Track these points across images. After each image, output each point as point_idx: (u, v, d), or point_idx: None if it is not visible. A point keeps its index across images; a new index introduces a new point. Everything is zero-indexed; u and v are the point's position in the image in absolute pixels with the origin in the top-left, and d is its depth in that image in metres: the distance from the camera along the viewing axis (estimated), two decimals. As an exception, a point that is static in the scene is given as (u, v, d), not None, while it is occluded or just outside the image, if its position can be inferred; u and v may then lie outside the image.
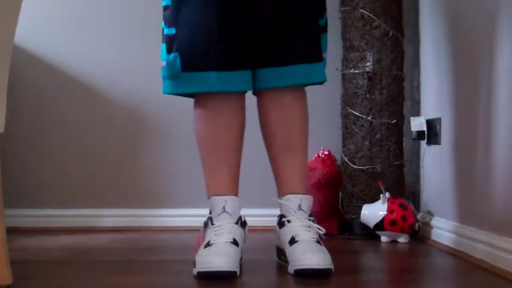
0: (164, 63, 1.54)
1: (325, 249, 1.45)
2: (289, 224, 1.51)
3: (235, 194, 1.57)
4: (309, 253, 1.41)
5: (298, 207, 1.52)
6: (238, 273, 1.40)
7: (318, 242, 1.47)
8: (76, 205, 2.39)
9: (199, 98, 1.58)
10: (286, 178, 1.59)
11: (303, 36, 1.55)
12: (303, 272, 1.39)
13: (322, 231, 1.52)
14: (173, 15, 1.52)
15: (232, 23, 1.50)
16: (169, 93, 1.57)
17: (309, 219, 1.52)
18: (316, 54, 1.57)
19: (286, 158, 1.59)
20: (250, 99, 1.63)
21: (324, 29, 1.61)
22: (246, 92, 1.59)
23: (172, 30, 1.52)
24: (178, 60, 1.50)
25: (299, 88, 1.61)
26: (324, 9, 1.62)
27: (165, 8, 1.55)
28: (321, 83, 1.62)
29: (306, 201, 1.54)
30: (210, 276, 1.37)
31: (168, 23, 1.53)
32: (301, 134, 1.61)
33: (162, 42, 1.56)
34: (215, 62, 1.49)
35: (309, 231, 1.49)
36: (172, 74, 1.52)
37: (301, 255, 1.41)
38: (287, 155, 1.59)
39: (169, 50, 1.52)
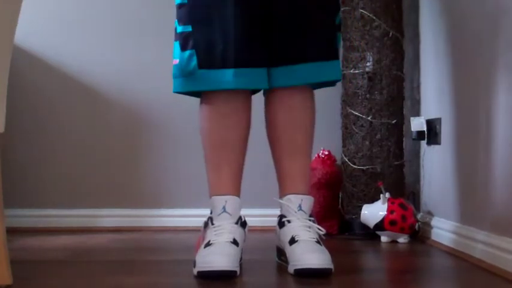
0: (177, 61, 1.53)
1: (325, 249, 1.45)
2: (289, 224, 1.51)
3: (237, 194, 1.56)
4: (309, 253, 1.41)
5: (298, 207, 1.51)
6: (238, 273, 1.40)
7: (318, 242, 1.47)
8: (76, 205, 2.39)
9: (207, 97, 1.57)
10: (288, 178, 1.58)
11: (320, 34, 1.54)
12: (303, 272, 1.39)
13: (322, 231, 1.52)
14: (190, 12, 1.51)
15: (249, 20, 1.49)
16: (180, 92, 1.56)
17: (309, 220, 1.52)
18: (333, 52, 1.56)
19: (290, 158, 1.59)
20: (252, 99, 1.63)
21: (339, 27, 1.63)
22: (256, 91, 1.59)
23: (188, 28, 1.51)
24: (194, 58, 1.49)
25: (308, 89, 1.61)
26: (339, 8, 1.63)
27: (180, 5, 1.54)
28: (334, 82, 1.63)
29: (307, 201, 1.53)
30: (210, 276, 1.37)
31: (183, 20, 1.52)
32: (307, 136, 1.60)
33: (175, 40, 1.55)
34: (232, 59, 1.47)
35: (309, 231, 1.49)
36: (186, 71, 1.51)
37: (301, 255, 1.41)
38: (291, 155, 1.59)
39: (183, 48, 1.51)
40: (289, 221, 1.51)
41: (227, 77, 1.47)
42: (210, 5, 1.49)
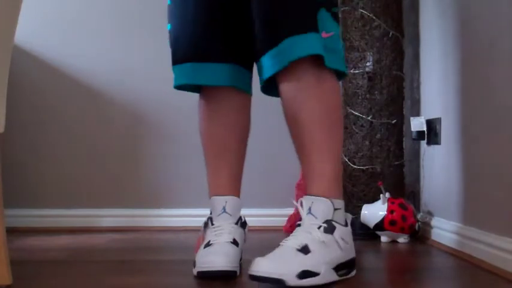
0: None
1: (294, 256, 1.28)
2: (297, 227, 1.38)
3: (236, 194, 1.56)
4: (264, 259, 1.28)
5: (307, 210, 1.36)
6: (238, 273, 1.40)
7: (301, 249, 1.29)
8: (76, 205, 2.40)
9: (204, 97, 1.57)
10: (307, 178, 1.42)
11: (292, 10, 1.36)
12: (252, 277, 1.26)
13: (345, 241, 1.36)
14: (169, 12, 1.57)
15: (207, 15, 1.50)
16: (179, 88, 1.57)
17: (321, 226, 1.34)
18: (308, 24, 1.35)
19: (303, 155, 1.42)
20: (253, 99, 1.62)
21: (323, 4, 1.38)
22: (236, 88, 1.54)
23: (169, 26, 1.57)
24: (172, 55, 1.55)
25: (314, 75, 1.38)
26: None
27: (168, 6, 1.58)
28: (340, 73, 1.45)
29: (319, 204, 1.35)
30: (210, 276, 1.37)
31: (168, 19, 1.57)
32: (318, 130, 1.39)
33: None
34: (189, 53, 1.50)
35: (295, 236, 1.33)
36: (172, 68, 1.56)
37: (257, 260, 1.28)
38: (303, 152, 1.42)
39: (170, 46, 1.57)
40: (299, 225, 1.39)
41: (186, 71, 1.50)
42: (179, 3, 1.53)
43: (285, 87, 1.40)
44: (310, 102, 1.38)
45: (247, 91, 1.58)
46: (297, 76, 1.38)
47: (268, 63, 1.38)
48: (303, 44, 1.33)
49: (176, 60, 1.53)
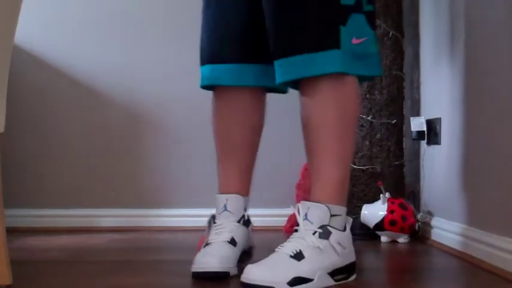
0: None
1: (289, 263, 1.27)
2: (294, 233, 1.37)
3: (242, 192, 1.53)
4: (256, 266, 1.28)
5: (304, 216, 1.34)
6: (232, 272, 1.40)
7: (294, 256, 1.29)
8: (76, 205, 2.39)
9: (217, 93, 1.57)
10: (311, 181, 1.40)
11: (305, 22, 1.33)
12: (243, 284, 1.27)
13: (344, 247, 1.34)
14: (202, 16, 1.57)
15: (229, 16, 1.50)
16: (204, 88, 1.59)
17: (316, 231, 1.32)
18: (319, 42, 1.32)
19: (312, 159, 1.41)
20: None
21: (353, 9, 1.35)
22: (259, 88, 1.55)
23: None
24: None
25: (333, 80, 1.35)
26: None
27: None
28: (370, 77, 1.47)
29: (315, 210, 1.33)
30: (202, 277, 1.37)
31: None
32: (329, 134, 1.37)
33: None
34: (205, 55, 1.52)
35: (290, 242, 1.33)
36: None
37: (249, 267, 1.28)
38: (309, 155, 1.42)
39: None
40: (296, 230, 1.37)
41: (203, 73, 1.53)
42: (205, 6, 1.55)
43: (302, 87, 1.40)
44: (326, 105, 1.36)
45: (270, 87, 1.55)
46: (315, 81, 1.35)
47: (278, 70, 1.38)
48: (320, 61, 1.32)
49: (200, 62, 1.55)
